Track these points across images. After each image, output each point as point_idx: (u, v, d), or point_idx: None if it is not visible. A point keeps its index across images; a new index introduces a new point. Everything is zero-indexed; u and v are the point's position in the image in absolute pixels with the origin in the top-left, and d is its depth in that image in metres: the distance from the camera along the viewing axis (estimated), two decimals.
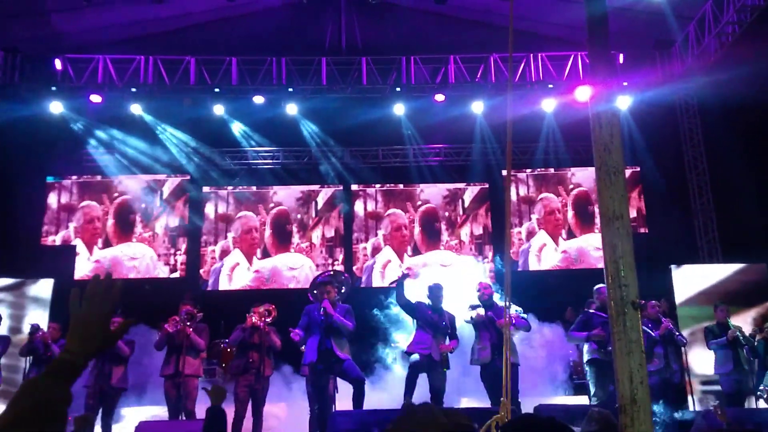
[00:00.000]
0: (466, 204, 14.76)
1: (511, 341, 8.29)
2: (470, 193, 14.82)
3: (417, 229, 14.56)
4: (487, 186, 14.79)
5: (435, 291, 8.50)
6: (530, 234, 14.63)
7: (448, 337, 8.39)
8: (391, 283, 8.49)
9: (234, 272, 14.16)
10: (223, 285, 14.09)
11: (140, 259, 14.13)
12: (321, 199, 14.70)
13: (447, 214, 14.73)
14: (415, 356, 8.20)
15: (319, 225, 14.54)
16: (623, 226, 3.15)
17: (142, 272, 14.07)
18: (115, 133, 14.03)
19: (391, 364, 11.24)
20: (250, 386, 8.32)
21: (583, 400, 9.17)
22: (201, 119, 13.86)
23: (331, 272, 12.67)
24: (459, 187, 14.86)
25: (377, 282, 14.09)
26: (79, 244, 14.09)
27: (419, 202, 14.74)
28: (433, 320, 8.28)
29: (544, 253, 14.43)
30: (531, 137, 14.41)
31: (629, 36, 13.08)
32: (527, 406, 7.74)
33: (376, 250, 14.44)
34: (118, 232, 14.24)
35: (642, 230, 14.39)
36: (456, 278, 11.67)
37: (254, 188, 14.72)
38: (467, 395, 9.70)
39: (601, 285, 8.36)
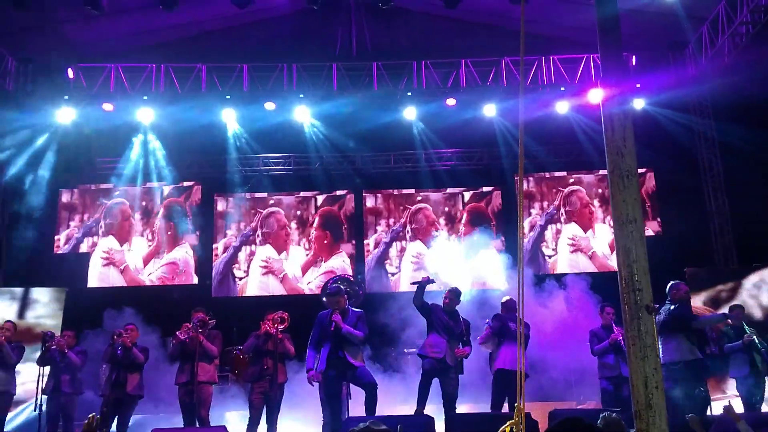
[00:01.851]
0: (466, 199, 14.89)
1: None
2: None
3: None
4: (500, 191, 14.80)
5: (452, 295, 8.48)
6: (532, 227, 14.69)
7: (462, 343, 8.36)
8: (413, 283, 8.47)
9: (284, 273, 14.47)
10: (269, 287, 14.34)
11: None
12: (330, 203, 14.83)
13: (447, 209, 14.79)
14: (427, 363, 8.18)
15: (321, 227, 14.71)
16: (637, 230, 3.11)
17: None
18: (127, 141, 14.08)
19: (404, 368, 11.22)
20: (265, 393, 8.29)
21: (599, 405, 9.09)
22: (212, 126, 13.88)
23: (348, 277, 12.65)
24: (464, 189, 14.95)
25: (405, 280, 14.23)
26: (112, 242, 14.36)
27: (419, 198, 14.92)
28: (448, 325, 8.25)
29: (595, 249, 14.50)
30: (545, 140, 14.34)
31: (642, 38, 13.00)
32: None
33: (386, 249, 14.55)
34: (174, 235, 14.57)
35: (656, 233, 14.29)
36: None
37: (266, 194, 14.78)
38: (482, 402, 9.64)
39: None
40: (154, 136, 14.05)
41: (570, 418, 2.42)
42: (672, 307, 7.60)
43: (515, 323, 8.67)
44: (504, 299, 9.07)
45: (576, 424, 2.38)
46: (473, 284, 13.80)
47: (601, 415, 4.15)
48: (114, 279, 14.19)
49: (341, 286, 8.58)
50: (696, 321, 7.68)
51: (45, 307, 11.96)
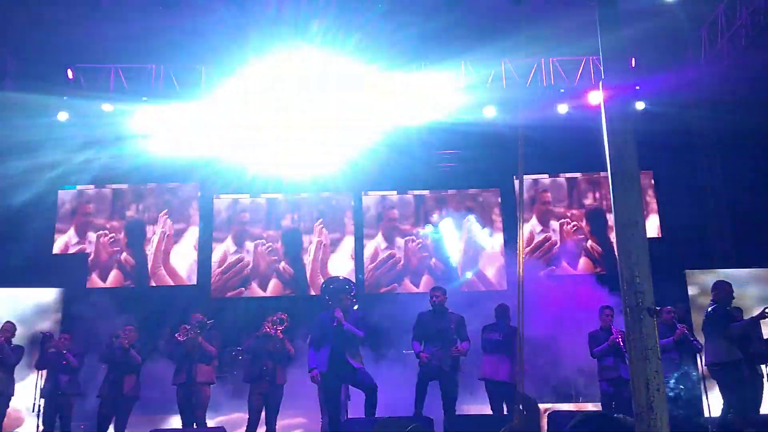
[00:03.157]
0: (466, 199, 14.94)
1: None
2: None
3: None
4: (499, 190, 14.82)
5: (438, 292, 8.47)
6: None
7: (459, 340, 8.30)
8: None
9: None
10: None
11: None
12: (331, 205, 14.76)
13: (446, 209, 14.80)
14: (424, 366, 8.19)
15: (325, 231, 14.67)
16: (638, 233, 3.10)
17: None
18: (126, 141, 14.04)
19: (403, 370, 11.20)
20: (264, 394, 8.30)
21: (598, 407, 9.10)
22: (211, 126, 13.84)
23: (347, 279, 12.64)
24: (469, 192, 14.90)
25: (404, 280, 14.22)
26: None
27: (419, 198, 14.95)
28: (438, 329, 8.22)
29: None
30: (549, 141, 14.29)
31: (641, 39, 12.98)
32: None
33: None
34: (172, 236, 14.67)
35: (655, 234, 14.26)
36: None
37: (265, 195, 14.76)
38: (479, 404, 9.64)
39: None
40: (155, 136, 13.98)
41: (596, 414, 2.40)
42: (710, 308, 7.70)
43: (495, 334, 8.68)
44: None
45: (602, 421, 2.35)
46: (473, 285, 13.82)
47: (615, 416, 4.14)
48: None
49: (345, 285, 8.52)
50: (728, 329, 7.67)
51: (43, 308, 11.92)
